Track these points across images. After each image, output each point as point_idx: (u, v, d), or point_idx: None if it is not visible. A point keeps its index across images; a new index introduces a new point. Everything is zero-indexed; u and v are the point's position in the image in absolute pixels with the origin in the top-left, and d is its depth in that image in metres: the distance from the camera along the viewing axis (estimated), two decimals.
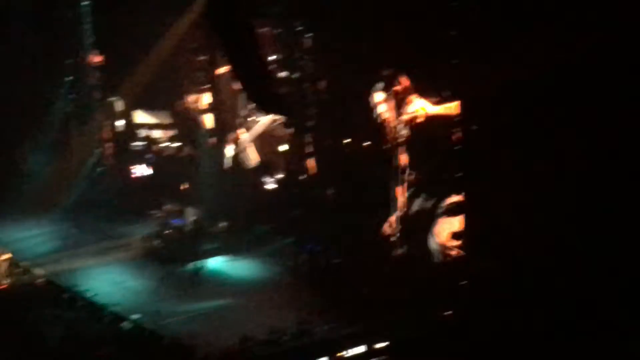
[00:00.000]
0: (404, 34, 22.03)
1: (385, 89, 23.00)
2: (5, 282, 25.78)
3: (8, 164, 35.61)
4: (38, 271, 26.89)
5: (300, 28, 24.97)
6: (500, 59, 19.59)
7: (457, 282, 21.71)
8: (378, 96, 23.07)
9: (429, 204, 23.07)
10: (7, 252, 26.56)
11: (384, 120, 23.51)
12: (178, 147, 33.13)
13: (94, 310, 24.29)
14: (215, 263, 27.39)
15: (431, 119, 22.34)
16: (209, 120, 29.93)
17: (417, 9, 21.61)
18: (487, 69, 19.89)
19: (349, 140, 25.18)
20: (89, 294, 24.92)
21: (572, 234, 19.46)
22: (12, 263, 26.92)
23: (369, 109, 23.44)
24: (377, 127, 23.83)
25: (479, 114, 20.74)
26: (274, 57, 27.33)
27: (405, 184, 23.43)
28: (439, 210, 22.74)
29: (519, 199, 20.16)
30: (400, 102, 22.94)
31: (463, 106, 21.05)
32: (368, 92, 23.49)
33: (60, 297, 25.46)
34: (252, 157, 30.32)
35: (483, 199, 21.04)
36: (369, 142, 24.53)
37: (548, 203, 19.72)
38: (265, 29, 27.86)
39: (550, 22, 18.84)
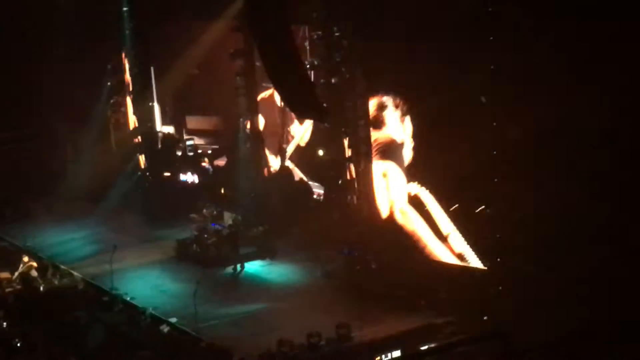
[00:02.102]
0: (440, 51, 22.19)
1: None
2: (42, 285, 26.11)
3: (49, 169, 36.02)
4: (78, 274, 27.29)
5: (338, 33, 24.99)
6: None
7: (493, 288, 21.75)
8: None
9: (466, 210, 23.06)
10: (33, 260, 26.91)
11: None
12: (218, 153, 33.26)
13: (132, 313, 24.55)
14: (253, 267, 27.55)
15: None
16: (248, 127, 30.01)
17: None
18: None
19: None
20: (127, 297, 25.28)
21: (609, 237, 19.52)
22: (51, 267, 27.26)
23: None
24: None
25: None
26: (312, 62, 27.35)
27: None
28: (476, 218, 22.72)
29: (555, 205, 20.21)
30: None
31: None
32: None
33: (100, 300, 25.73)
34: (291, 163, 30.46)
35: (517, 206, 21.12)
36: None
37: (583, 208, 19.80)
38: (303, 35, 27.93)
39: None
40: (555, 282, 20.29)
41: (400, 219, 24.50)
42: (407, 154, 24.12)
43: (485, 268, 22.34)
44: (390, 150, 24.65)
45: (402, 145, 24.24)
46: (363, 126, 24.95)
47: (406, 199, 24.24)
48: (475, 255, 22.52)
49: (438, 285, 22.76)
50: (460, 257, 22.85)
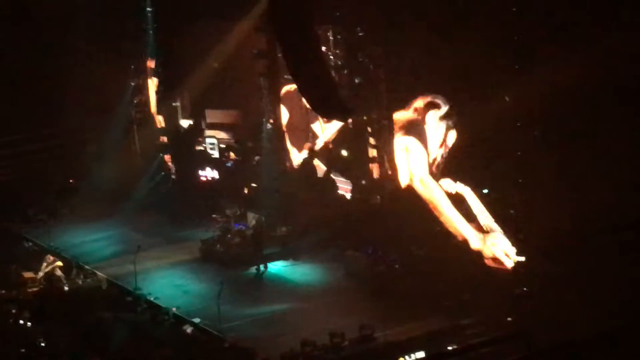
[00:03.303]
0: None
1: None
2: (66, 285, 26.21)
3: (73, 170, 36.13)
4: (101, 274, 27.38)
5: (361, 34, 24.98)
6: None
7: (519, 288, 21.65)
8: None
9: (490, 211, 22.99)
10: (58, 259, 27.01)
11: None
12: (242, 152, 33.24)
13: (155, 312, 24.60)
14: (276, 267, 27.55)
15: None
16: (272, 126, 29.99)
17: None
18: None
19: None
20: (150, 297, 25.31)
21: (634, 239, 19.39)
22: (75, 267, 27.35)
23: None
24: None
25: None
26: (336, 61, 27.31)
27: (468, 192, 23.51)
28: (500, 219, 22.66)
29: (580, 207, 20.11)
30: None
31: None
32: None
33: (123, 300, 25.81)
34: (316, 162, 30.38)
35: (542, 207, 21.04)
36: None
37: (608, 210, 19.70)
38: (327, 34, 27.88)
39: None
40: (578, 283, 20.16)
41: (419, 188, 24.72)
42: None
43: (509, 269, 22.25)
44: (412, 127, 24.80)
45: (421, 125, 24.53)
46: (387, 126, 24.90)
47: (427, 170, 24.50)
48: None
49: (462, 286, 22.63)
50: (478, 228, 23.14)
